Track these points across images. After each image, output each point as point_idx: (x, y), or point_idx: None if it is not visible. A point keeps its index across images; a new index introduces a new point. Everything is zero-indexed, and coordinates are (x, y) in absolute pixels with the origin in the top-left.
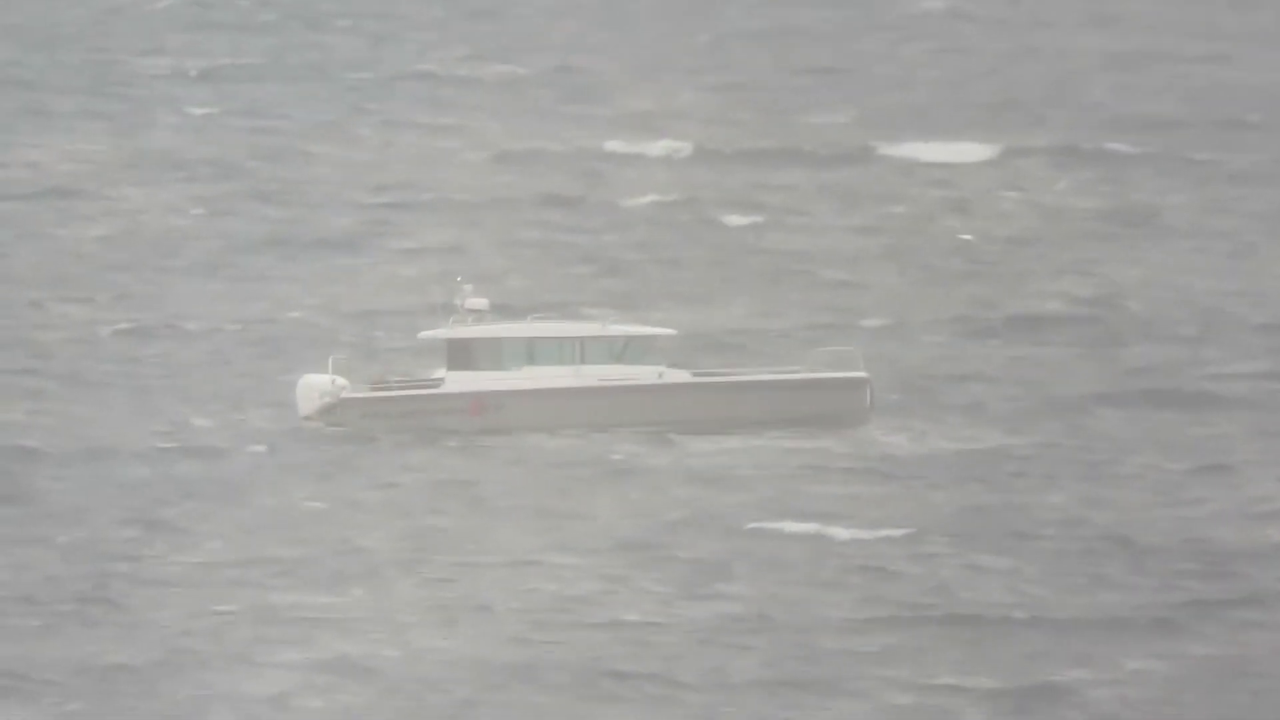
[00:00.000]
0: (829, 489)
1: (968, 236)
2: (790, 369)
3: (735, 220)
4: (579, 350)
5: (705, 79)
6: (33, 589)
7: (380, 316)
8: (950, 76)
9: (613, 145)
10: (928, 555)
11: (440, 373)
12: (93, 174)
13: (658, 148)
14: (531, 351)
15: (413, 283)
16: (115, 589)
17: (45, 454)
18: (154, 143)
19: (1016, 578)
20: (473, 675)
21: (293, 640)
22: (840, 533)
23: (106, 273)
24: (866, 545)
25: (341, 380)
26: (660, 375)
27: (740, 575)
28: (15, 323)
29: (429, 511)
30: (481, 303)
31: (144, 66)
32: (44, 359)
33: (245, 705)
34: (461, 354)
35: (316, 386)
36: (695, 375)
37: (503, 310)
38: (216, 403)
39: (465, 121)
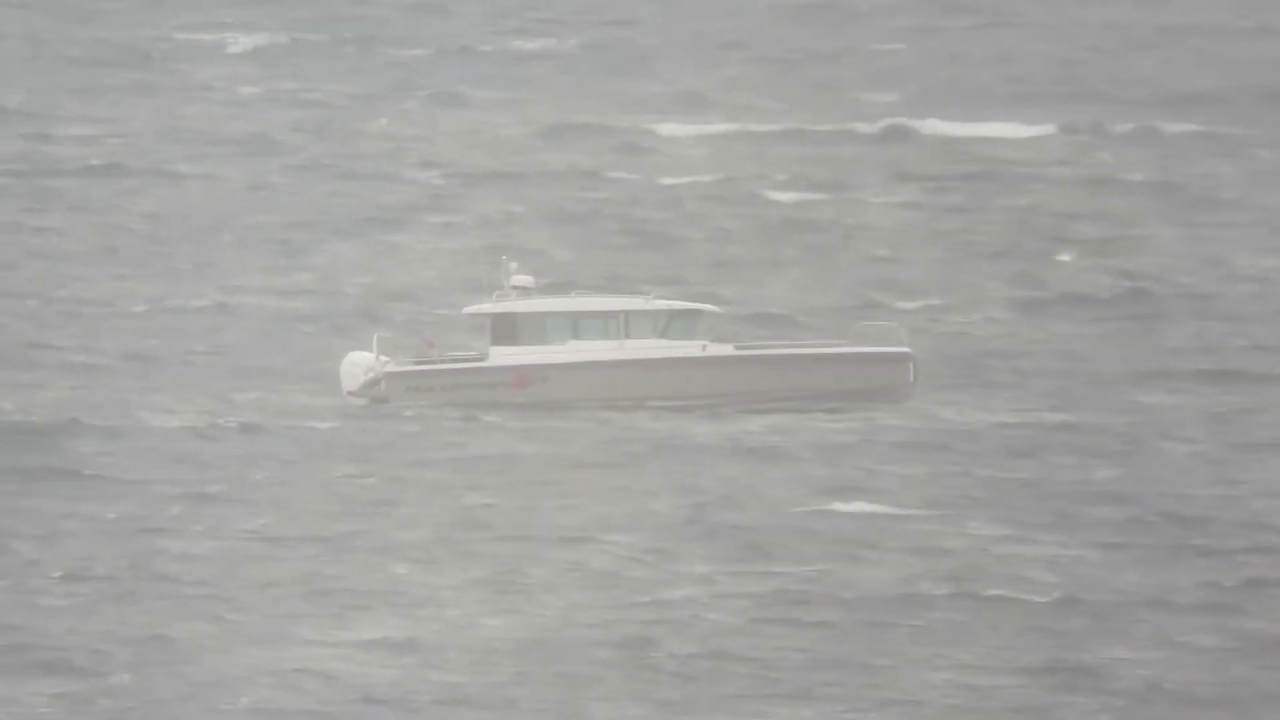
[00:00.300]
0: (874, 465)
1: (1017, 211)
2: (834, 343)
3: (781, 196)
4: (623, 324)
5: (752, 53)
6: (81, 563)
7: (426, 292)
8: (998, 52)
9: (659, 120)
10: (972, 532)
11: (484, 347)
12: (140, 150)
13: (704, 123)
14: (575, 326)
15: (459, 258)
16: (161, 564)
17: (92, 428)
18: (201, 119)
19: (1063, 555)
20: (519, 651)
21: (339, 615)
22: (885, 509)
23: (154, 248)
24: (912, 521)
25: (385, 357)
26: (703, 349)
27: (786, 552)
28: (64, 297)
29: (474, 487)
30: (526, 280)
31: (191, 42)
32: (91, 335)
33: (290, 679)
34: (506, 328)
35: (360, 363)
36: (738, 349)
37: (548, 286)
38: (263, 378)
39: (513, 96)
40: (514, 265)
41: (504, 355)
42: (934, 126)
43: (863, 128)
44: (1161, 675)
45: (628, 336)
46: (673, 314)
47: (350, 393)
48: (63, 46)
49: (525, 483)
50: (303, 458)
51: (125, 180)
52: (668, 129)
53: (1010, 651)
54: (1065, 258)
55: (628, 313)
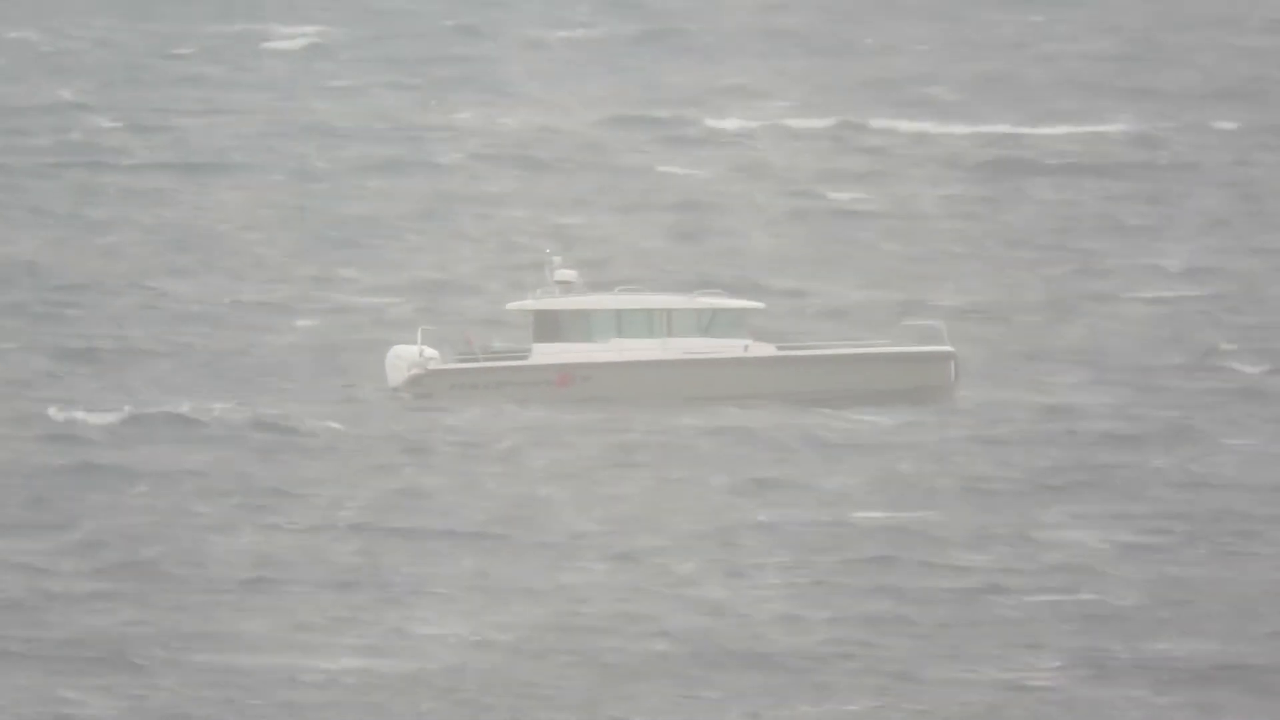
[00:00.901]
0: (917, 465)
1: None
2: (875, 343)
3: (830, 192)
4: (666, 322)
5: (810, 45)
6: (135, 557)
7: (478, 285)
8: (1050, 51)
9: (710, 112)
10: (1020, 532)
11: (527, 342)
12: (237, 146)
13: (755, 115)
14: (619, 323)
15: (511, 251)
16: (214, 557)
17: (148, 420)
18: (298, 114)
19: (1116, 548)
20: (565, 651)
21: (389, 613)
22: (928, 514)
23: (245, 244)
24: (958, 520)
25: (430, 351)
26: (746, 349)
27: (834, 547)
28: (144, 296)
29: (524, 483)
30: (570, 274)
31: (249, 32)
32: (171, 328)
33: (339, 675)
34: (549, 325)
35: (405, 356)
36: (780, 349)
37: (597, 281)
38: (326, 375)
39: (568, 87)
40: (558, 259)
41: (547, 352)
42: (987, 125)
43: (913, 123)
44: (1233, 663)
45: (671, 334)
46: (716, 312)
47: (395, 389)
48: (165, 44)
49: (578, 480)
50: (357, 453)
51: (223, 176)
52: (720, 121)
53: (1064, 644)
54: (1115, 254)
55: (671, 311)
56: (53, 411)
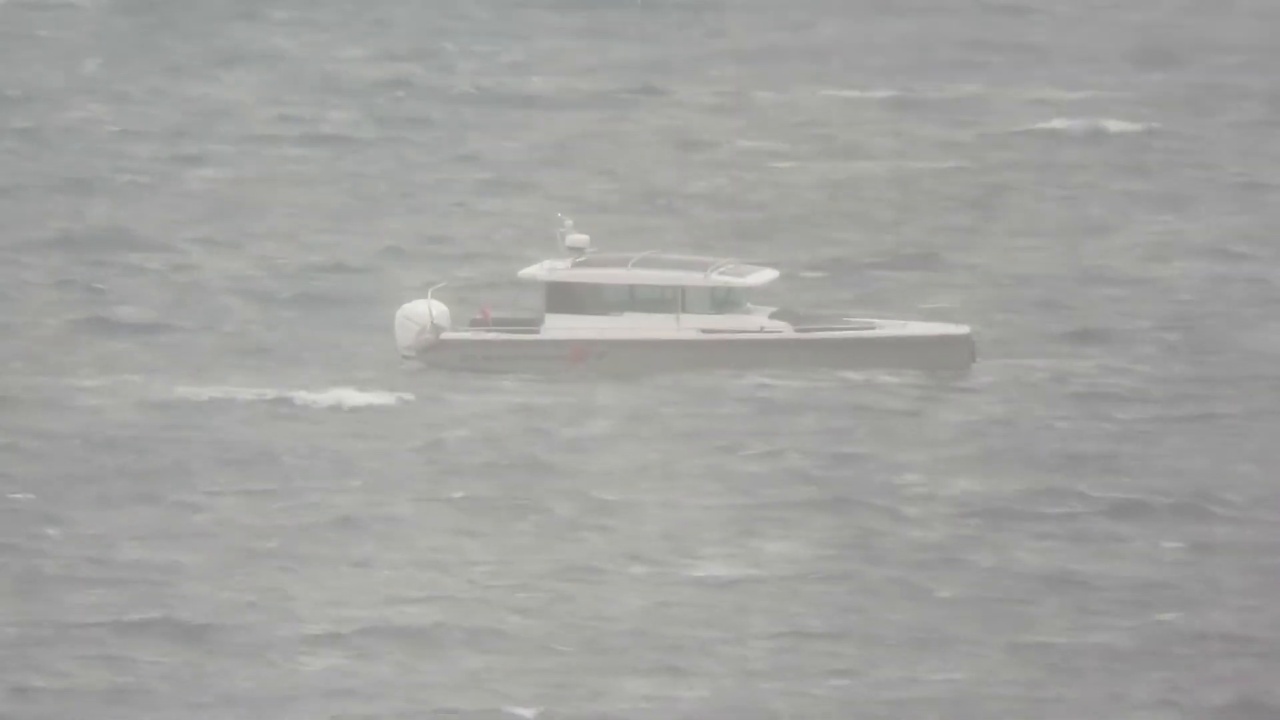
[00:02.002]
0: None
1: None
2: (891, 323)
3: (855, 165)
4: (680, 298)
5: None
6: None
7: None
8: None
9: (741, 88)
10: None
11: (539, 311)
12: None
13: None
14: (632, 297)
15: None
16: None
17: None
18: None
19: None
20: (576, 630)
21: (397, 589)
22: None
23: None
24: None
25: (440, 307)
26: (761, 329)
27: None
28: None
29: (537, 457)
30: (582, 239)
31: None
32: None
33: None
34: (561, 297)
35: (415, 317)
36: (797, 330)
37: (606, 248)
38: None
39: (599, 57)
40: (569, 223)
41: (559, 325)
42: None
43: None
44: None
45: (685, 310)
46: (731, 289)
47: (405, 353)
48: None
49: (593, 456)
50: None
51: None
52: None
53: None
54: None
55: (685, 287)
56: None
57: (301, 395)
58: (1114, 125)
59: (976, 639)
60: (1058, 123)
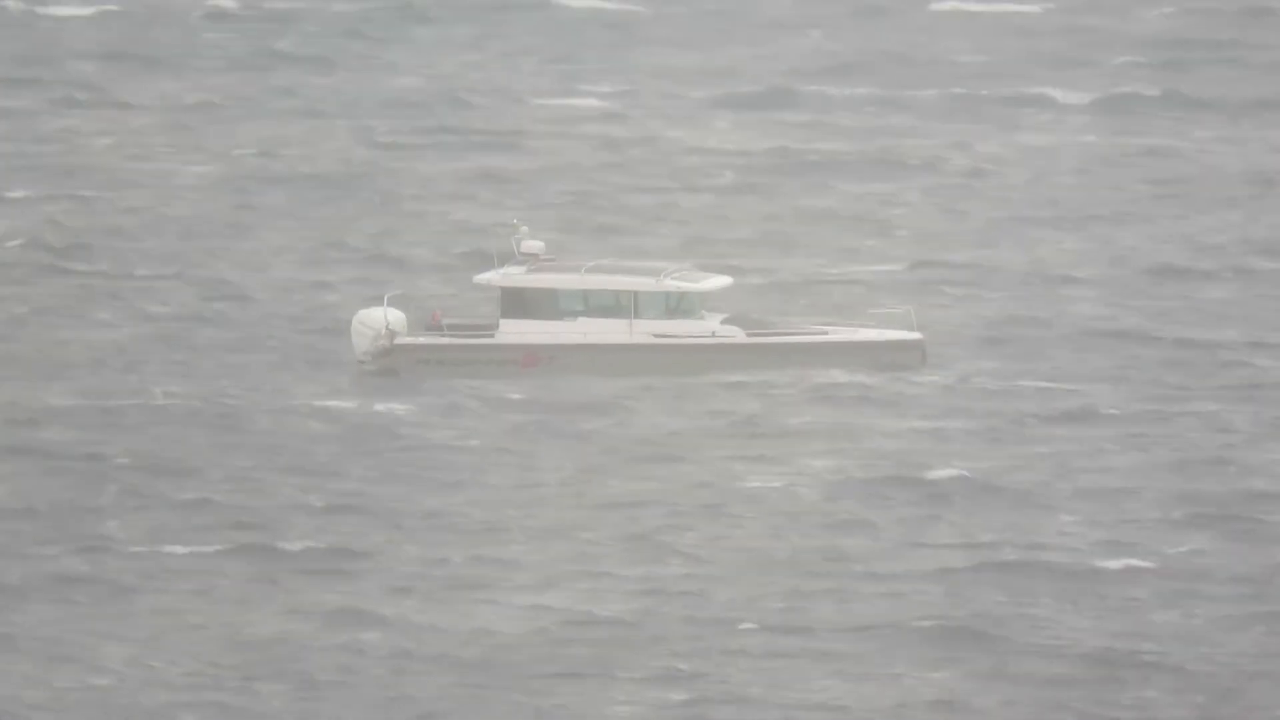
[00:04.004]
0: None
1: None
2: (843, 327)
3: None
4: (633, 303)
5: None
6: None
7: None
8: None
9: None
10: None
11: (494, 316)
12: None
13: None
14: (586, 302)
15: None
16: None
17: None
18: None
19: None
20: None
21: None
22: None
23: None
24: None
25: (396, 313)
26: (713, 334)
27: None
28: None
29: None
30: (537, 245)
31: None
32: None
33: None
34: (515, 302)
35: (370, 323)
36: (749, 334)
37: (561, 254)
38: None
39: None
40: (524, 229)
41: (513, 330)
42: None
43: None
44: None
45: (638, 316)
46: (684, 294)
47: (361, 358)
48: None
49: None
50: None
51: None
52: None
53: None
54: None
55: (638, 292)
56: None
57: None
58: None
59: None
60: None
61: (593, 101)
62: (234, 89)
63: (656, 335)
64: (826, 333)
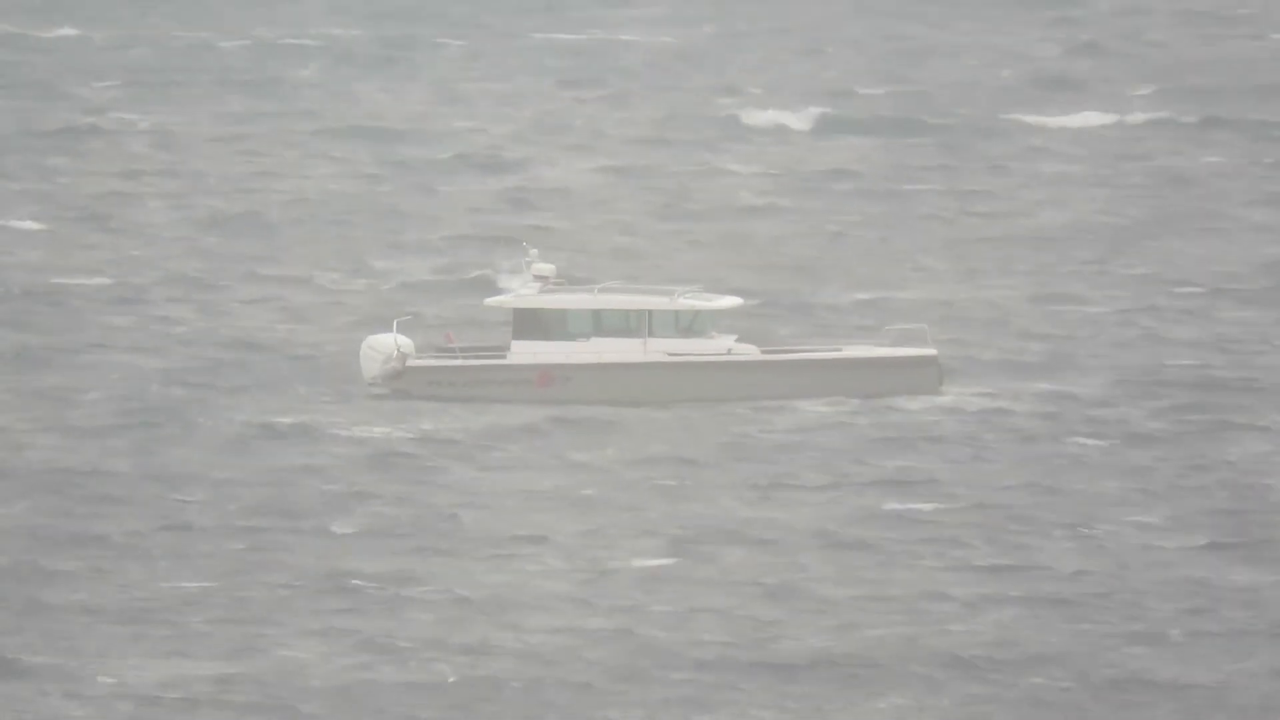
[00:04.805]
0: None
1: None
2: (859, 345)
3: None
4: (646, 322)
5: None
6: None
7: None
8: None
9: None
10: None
11: (505, 339)
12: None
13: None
14: (598, 322)
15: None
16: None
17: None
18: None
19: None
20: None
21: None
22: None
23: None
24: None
25: (405, 340)
26: (729, 351)
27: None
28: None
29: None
30: (548, 268)
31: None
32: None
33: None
34: (528, 323)
35: (380, 348)
36: (765, 352)
37: (572, 277)
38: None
39: (617, 86)
40: (535, 252)
41: (526, 351)
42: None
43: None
44: None
45: (651, 335)
46: (697, 313)
47: (371, 382)
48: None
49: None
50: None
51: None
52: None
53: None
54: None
55: (651, 311)
56: None
57: None
58: None
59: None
60: None
61: (607, 125)
62: (238, 114)
63: (671, 354)
64: (841, 350)
